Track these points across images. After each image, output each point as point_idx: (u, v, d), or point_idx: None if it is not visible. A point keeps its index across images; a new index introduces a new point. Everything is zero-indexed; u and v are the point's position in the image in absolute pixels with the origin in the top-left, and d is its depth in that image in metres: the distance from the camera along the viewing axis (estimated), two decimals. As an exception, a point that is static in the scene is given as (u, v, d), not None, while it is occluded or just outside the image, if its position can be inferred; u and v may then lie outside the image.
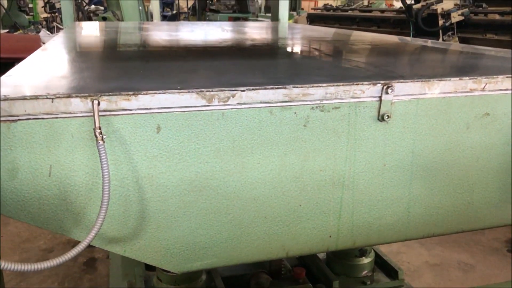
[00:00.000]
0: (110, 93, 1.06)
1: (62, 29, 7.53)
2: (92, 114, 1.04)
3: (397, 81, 1.25)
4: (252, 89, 1.15)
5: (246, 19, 10.63)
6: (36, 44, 5.44)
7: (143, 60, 1.71)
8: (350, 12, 7.95)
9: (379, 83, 1.24)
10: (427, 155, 1.35)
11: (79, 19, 8.01)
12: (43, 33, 7.16)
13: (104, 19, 7.97)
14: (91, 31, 3.05)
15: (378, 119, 1.27)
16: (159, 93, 1.09)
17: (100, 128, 1.04)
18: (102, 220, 1.05)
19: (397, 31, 6.75)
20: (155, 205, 1.17)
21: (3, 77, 1.25)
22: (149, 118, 1.10)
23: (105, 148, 1.04)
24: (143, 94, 1.08)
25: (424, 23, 6.01)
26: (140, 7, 8.32)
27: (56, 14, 9.71)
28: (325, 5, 9.18)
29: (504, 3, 5.70)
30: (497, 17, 5.56)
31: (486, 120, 1.37)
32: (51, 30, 8.75)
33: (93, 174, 1.10)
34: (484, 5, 6.00)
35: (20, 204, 1.08)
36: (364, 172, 1.31)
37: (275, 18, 4.80)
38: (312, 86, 1.19)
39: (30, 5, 10.34)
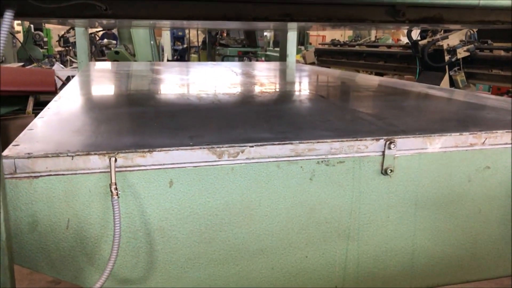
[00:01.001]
0: (126, 151, 1.12)
1: (75, 62, 7.73)
2: (109, 170, 1.10)
3: (399, 136, 1.31)
4: (260, 145, 1.21)
5: (255, 53, 10.84)
6: (50, 78, 5.56)
7: (156, 110, 1.78)
8: (357, 47, 8.09)
9: (382, 138, 1.29)
10: (429, 207, 1.38)
11: (92, 53, 8.24)
12: (57, 66, 7.35)
13: (116, 53, 8.18)
14: (104, 75, 3.15)
15: (382, 172, 1.31)
16: (173, 150, 1.15)
17: (116, 184, 1.09)
18: (109, 271, 1.09)
19: (404, 66, 6.86)
20: (166, 256, 1.21)
21: (25, 130, 1.32)
22: (163, 173, 1.16)
23: (119, 203, 1.10)
24: (158, 151, 1.14)
25: (430, 59, 6.11)
26: (152, 42, 8.55)
27: (70, 47, 9.99)
28: (332, 40, 9.36)
29: (509, 39, 5.79)
30: (502, 53, 5.65)
31: (487, 173, 1.41)
32: (64, 63, 8.99)
33: (108, 227, 1.15)
34: (489, 41, 6.11)
35: (38, 255, 1.13)
36: (368, 224, 1.35)
37: (283, 55, 4.91)
38: (318, 142, 1.25)
39: (45, 39, 10.67)
